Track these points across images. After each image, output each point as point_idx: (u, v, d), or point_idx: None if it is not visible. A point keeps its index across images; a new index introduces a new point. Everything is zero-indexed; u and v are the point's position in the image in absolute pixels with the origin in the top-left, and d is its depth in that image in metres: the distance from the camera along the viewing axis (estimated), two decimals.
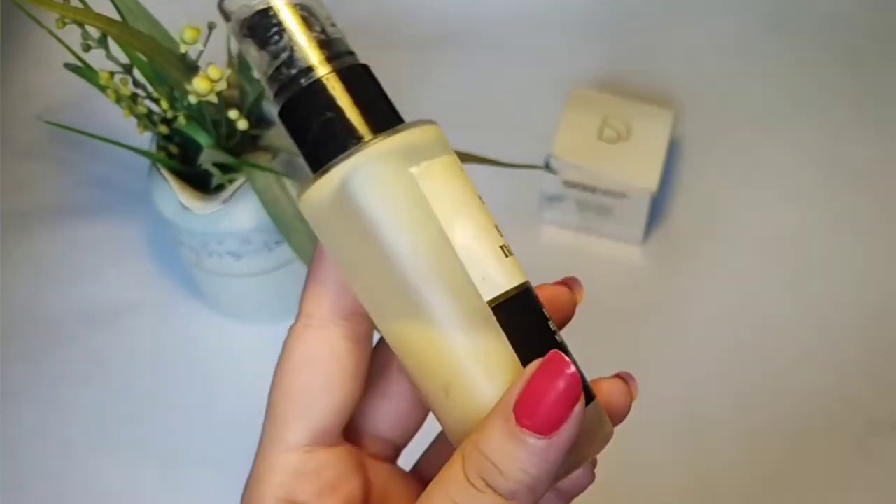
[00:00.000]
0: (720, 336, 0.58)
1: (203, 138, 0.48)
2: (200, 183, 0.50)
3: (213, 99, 0.44)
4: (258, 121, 0.52)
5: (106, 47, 0.46)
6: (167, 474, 0.54)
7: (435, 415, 0.26)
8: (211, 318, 0.60)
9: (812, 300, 0.60)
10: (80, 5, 0.44)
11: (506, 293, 0.25)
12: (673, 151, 0.65)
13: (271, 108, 0.53)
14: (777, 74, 0.71)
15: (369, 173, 0.24)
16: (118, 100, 0.47)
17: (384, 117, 0.26)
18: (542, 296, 0.27)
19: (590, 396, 0.25)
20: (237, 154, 0.50)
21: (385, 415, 0.29)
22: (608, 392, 0.28)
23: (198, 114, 0.48)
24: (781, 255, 0.62)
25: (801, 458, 0.53)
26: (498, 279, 0.25)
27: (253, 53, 0.26)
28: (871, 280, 0.60)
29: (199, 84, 0.44)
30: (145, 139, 0.51)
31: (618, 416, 0.28)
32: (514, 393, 0.24)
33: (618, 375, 0.28)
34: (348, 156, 0.24)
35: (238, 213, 0.51)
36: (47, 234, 0.64)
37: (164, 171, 0.48)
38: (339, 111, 0.25)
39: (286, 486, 0.27)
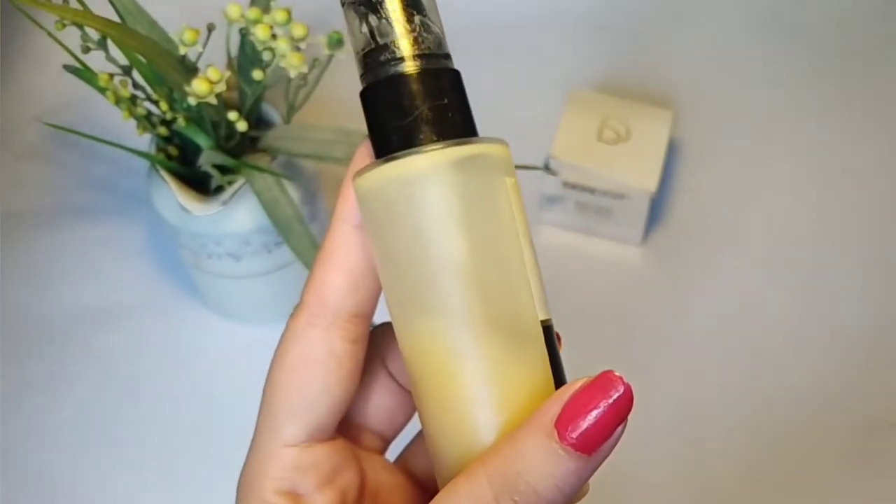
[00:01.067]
0: (720, 336, 0.58)
1: (202, 140, 0.48)
2: (200, 184, 0.50)
3: (213, 101, 0.44)
4: (258, 122, 0.52)
5: (105, 49, 0.46)
6: (167, 475, 0.54)
7: (424, 414, 0.26)
8: (210, 320, 0.60)
9: (811, 300, 0.60)
10: (80, 7, 0.44)
11: (547, 319, 0.25)
12: (672, 152, 0.65)
13: (270, 110, 0.53)
14: (777, 75, 0.71)
15: (453, 174, 0.24)
16: (117, 101, 0.47)
17: (464, 124, 0.26)
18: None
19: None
20: (237, 156, 0.50)
21: (375, 408, 0.30)
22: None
23: (197, 115, 0.48)
24: (781, 256, 0.62)
25: (801, 458, 0.53)
26: (544, 305, 0.25)
27: (352, 26, 0.25)
28: (870, 280, 0.60)
29: (198, 86, 0.44)
30: (144, 141, 0.51)
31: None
32: (553, 409, 0.23)
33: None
34: (422, 151, 0.24)
35: (237, 215, 0.51)
36: (46, 235, 0.64)
37: (164, 173, 0.48)
38: (421, 106, 0.25)
39: (286, 479, 0.27)
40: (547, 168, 0.59)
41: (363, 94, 0.26)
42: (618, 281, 0.60)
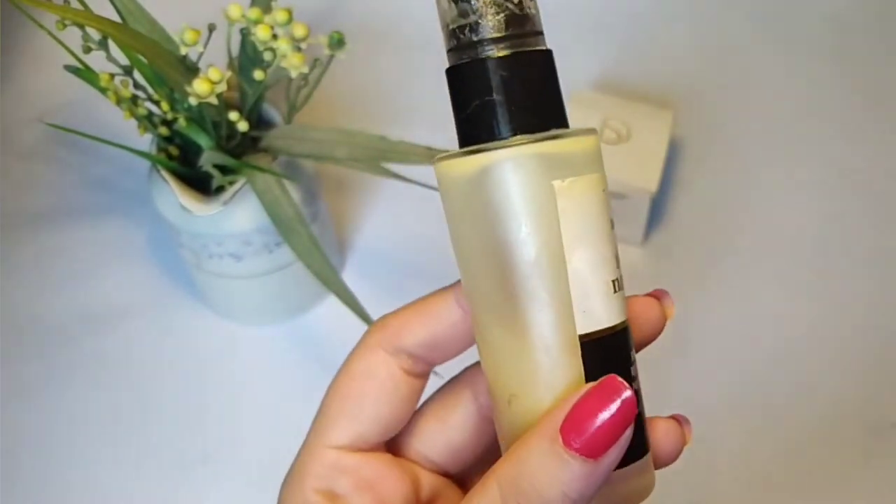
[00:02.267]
0: (720, 336, 0.58)
1: (203, 140, 0.48)
2: (201, 184, 0.50)
3: (214, 101, 0.44)
4: (258, 122, 0.52)
5: (106, 49, 0.46)
6: (167, 475, 0.54)
7: (495, 419, 0.27)
8: (211, 320, 0.60)
9: (812, 300, 0.60)
10: (81, 7, 0.44)
11: (600, 331, 0.24)
12: (673, 152, 0.65)
13: (271, 110, 0.53)
14: (777, 75, 0.71)
15: (513, 172, 0.24)
16: (118, 101, 0.47)
17: (547, 113, 0.25)
18: (631, 310, 0.27)
19: (645, 448, 0.26)
20: (237, 156, 0.50)
21: (439, 441, 0.30)
22: (661, 433, 0.27)
23: (198, 115, 0.48)
24: (782, 255, 0.62)
25: (801, 458, 0.53)
26: (598, 315, 0.24)
27: (442, 1, 0.24)
28: (870, 279, 0.60)
29: (199, 86, 0.44)
30: (145, 141, 0.52)
31: (665, 460, 0.28)
32: (559, 414, 0.23)
33: (674, 417, 0.28)
34: (498, 146, 0.24)
35: (238, 215, 0.51)
36: (47, 235, 0.64)
37: (165, 173, 0.48)
38: (504, 96, 0.24)
39: (325, 477, 0.28)
40: None
41: (449, 72, 0.25)
42: None
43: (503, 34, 0.24)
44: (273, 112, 0.52)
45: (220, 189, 0.49)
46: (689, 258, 0.61)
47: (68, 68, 0.48)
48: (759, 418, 0.55)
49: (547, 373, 0.24)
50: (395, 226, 0.63)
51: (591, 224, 0.25)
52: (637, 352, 0.27)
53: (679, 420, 0.28)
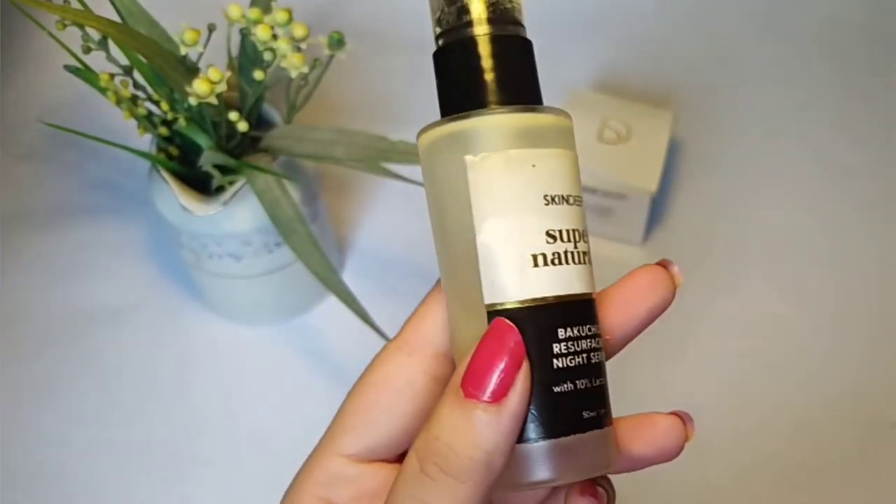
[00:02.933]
0: (720, 336, 0.58)
1: (203, 140, 0.48)
2: (201, 185, 0.50)
3: (214, 101, 0.44)
4: (258, 122, 0.52)
5: (106, 49, 0.46)
6: (166, 475, 0.54)
7: None
8: (211, 320, 0.60)
9: (812, 300, 0.60)
10: (81, 7, 0.44)
11: (510, 304, 0.25)
12: (673, 152, 0.65)
13: (271, 110, 0.53)
14: (776, 75, 0.71)
15: (434, 149, 0.25)
16: (118, 102, 0.47)
17: (524, 91, 0.26)
18: (639, 280, 0.27)
19: (600, 420, 0.25)
20: (237, 156, 0.50)
21: None
22: (663, 429, 0.28)
23: (198, 116, 0.48)
24: (781, 256, 0.62)
25: (801, 458, 0.53)
26: (508, 288, 0.25)
27: None
28: (870, 280, 0.60)
29: (199, 86, 0.44)
30: (145, 141, 0.52)
31: (667, 455, 0.28)
32: (460, 371, 0.24)
33: (676, 413, 0.28)
34: (481, 113, 0.25)
35: (238, 215, 0.51)
36: (47, 235, 0.64)
37: (165, 173, 0.48)
38: (486, 69, 0.25)
39: (325, 485, 0.27)
40: None
41: (434, 56, 0.26)
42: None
43: (485, 18, 0.26)
44: (273, 112, 0.52)
45: (220, 189, 0.49)
46: (689, 258, 0.61)
47: (68, 68, 0.48)
48: (757, 418, 0.55)
49: (467, 342, 0.25)
50: (395, 226, 0.63)
51: (508, 197, 0.25)
52: (652, 321, 0.28)
53: (682, 416, 0.28)
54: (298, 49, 0.46)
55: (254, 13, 0.45)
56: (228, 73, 0.45)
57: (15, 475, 0.54)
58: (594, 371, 0.25)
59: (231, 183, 0.49)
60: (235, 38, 0.48)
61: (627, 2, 0.75)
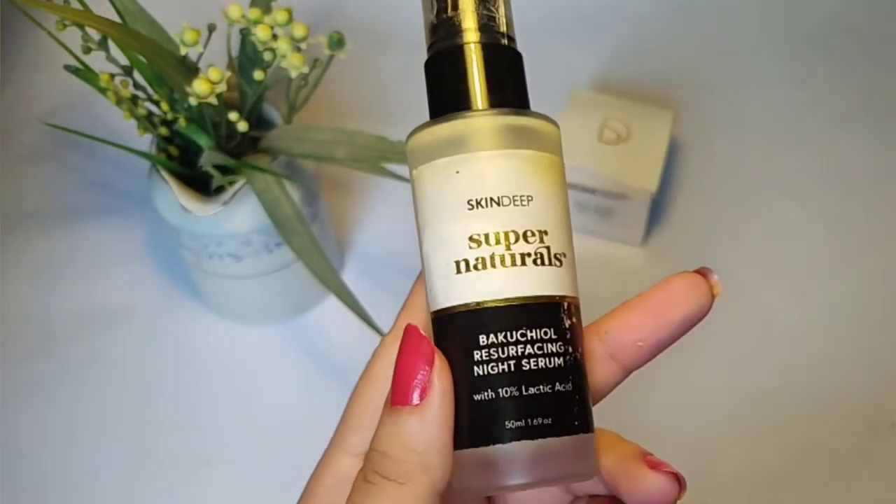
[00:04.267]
0: (720, 336, 0.58)
1: (203, 140, 0.48)
2: (200, 185, 0.50)
3: (213, 101, 0.44)
4: (258, 123, 0.52)
5: (106, 49, 0.46)
6: (166, 475, 0.54)
7: None
8: (211, 320, 0.60)
9: (812, 300, 0.60)
10: (81, 7, 0.44)
11: (441, 310, 0.25)
12: (673, 153, 0.65)
13: (271, 110, 0.53)
14: (776, 75, 0.71)
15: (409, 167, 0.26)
16: (118, 102, 0.47)
17: (510, 97, 0.26)
18: (675, 287, 0.27)
19: (575, 425, 0.25)
20: (237, 156, 0.50)
21: None
22: (654, 487, 0.26)
23: (198, 116, 0.48)
24: (782, 256, 0.62)
25: (801, 458, 0.53)
26: (438, 295, 0.25)
27: (425, 3, 0.27)
28: (870, 280, 0.60)
29: (199, 86, 0.44)
30: (145, 141, 0.52)
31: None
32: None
33: (669, 471, 0.27)
34: (467, 115, 0.25)
35: (238, 215, 0.51)
36: (47, 235, 0.64)
37: (164, 173, 0.48)
38: (473, 75, 0.26)
39: (335, 489, 0.27)
40: None
41: (426, 65, 0.27)
42: (618, 282, 0.60)
43: (475, 27, 0.26)
44: (273, 112, 0.52)
45: (220, 189, 0.49)
46: (689, 258, 0.61)
47: (68, 68, 0.48)
48: (758, 418, 0.55)
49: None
50: (395, 226, 0.63)
51: (436, 207, 0.25)
52: (687, 331, 0.27)
53: (676, 477, 0.27)
54: (298, 49, 0.46)
55: (254, 13, 0.45)
56: (228, 74, 0.45)
57: (15, 476, 0.54)
58: (530, 378, 0.25)
59: (231, 183, 0.49)
60: (235, 39, 0.48)
61: (628, 2, 0.75)
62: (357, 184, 0.65)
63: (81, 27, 0.45)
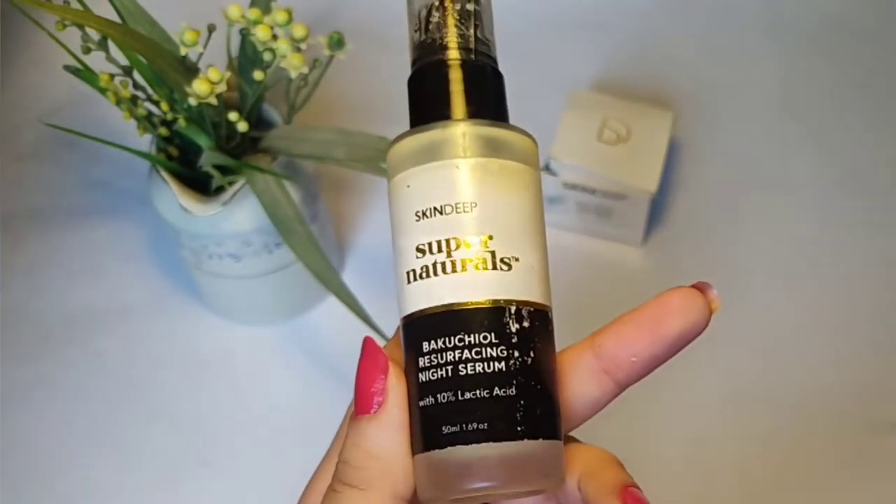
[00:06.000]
0: (720, 336, 0.58)
1: (203, 140, 0.48)
2: (200, 185, 0.50)
3: (213, 101, 0.44)
4: (258, 123, 0.52)
5: (106, 49, 0.46)
6: (166, 476, 0.54)
7: None
8: (211, 320, 0.60)
9: (812, 300, 0.60)
10: (80, 7, 0.44)
11: (402, 319, 0.26)
12: (673, 153, 0.65)
13: (271, 111, 0.53)
14: (776, 75, 0.71)
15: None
16: (118, 102, 0.47)
17: (487, 110, 0.27)
18: (671, 302, 0.26)
19: (546, 434, 0.25)
20: (237, 156, 0.50)
21: None
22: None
23: (198, 116, 0.48)
24: (782, 256, 0.62)
25: (802, 458, 0.53)
26: (400, 304, 0.26)
27: (411, 24, 0.28)
28: (871, 280, 0.60)
29: (198, 86, 0.44)
30: (145, 141, 0.51)
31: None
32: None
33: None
34: (444, 125, 0.26)
35: (238, 215, 0.51)
36: (47, 235, 0.64)
37: (164, 174, 0.48)
38: (453, 89, 0.27)
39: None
40: (547, 169, 0.59)
41: (409, 81, 0.28)
42: (618, 282, 0.60)
43: (457, 47, 0.27)
44: (273, 112, 0.52)
45: (220, 189, 0.49)
46: (689, 258, 0.61)
47: (68, 68, 0.48)
48: (758, 418, 0.55)
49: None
50: None
51: (395, 221, 0.26)
52: (682, 347, 0.26)
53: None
54: (298, 49, 0.46)
55: (253, 13, 0.45)
56: (228, 74, 0.45)
57: (15, 475, 0.54)
58: (466, 383, 0.24)
59: (231, 183, 0.49)
60: (235, 39, 0.48)
61: (628, 2, 0.74)
62: (357, 184, 0.65)
63: (81, 27, 0.45)
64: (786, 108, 0.69)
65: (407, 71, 0.28)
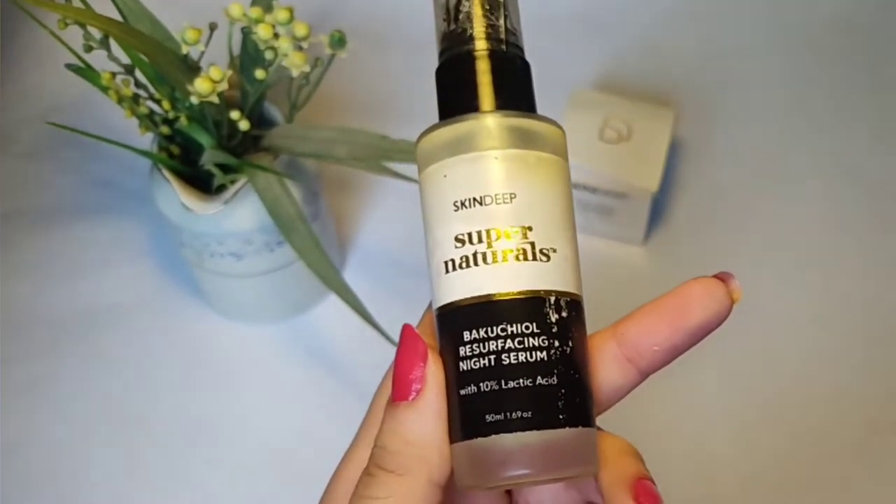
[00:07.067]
0: (720, 336, 0.58)
1: (204, 139, 0.48)
2: (202, 183, 0.50)
3: (215, 99, 0.45)
4: (260, 121, 0.52)
5: (107, 48, 0.46)
6: (167, 474, 0.54)
7: None
8: (212, 319, 0.60)
9: (812, 300, 0.60)
10: (82, 6, 0.44)
11: (439, 307, 0.26)
12: (674, 152, 0.65)
13: (272, 109, 0.53)
14: (778, 74, 0.71)
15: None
16: (120, 100, 0.47)
17: (518, 101, 0.27)
18: (692, 292, 0.27)
19: (585, 422, 0.25)
20: (239, 155, 0.50)
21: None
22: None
23: (199, 114, 0.48)
24: (782, 256, 0.62)
25: (802, 458, 0.53)
26: (436, 294, 0.26)
27: (438, 15, 0.28)
28: (871, 280, 0.60)
29: (200, 85, 0.44)
30: (147, 140, 0.52)
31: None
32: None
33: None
34: (474, 117, 0.26)
35: (239, 214, 0.51)
36: (48, 234, 0.64)
37: (166, 172, 0.49)
38: (482, 80, 0.26)
39: (348, 495, 0.27)
40: None
41: (437, 72, 0.28)
42: (619, 281, 0.60)
43: (485, 37, 0.27)
44: (274, 111, 0.52)
45: (222, 188, 0.50)
46: (690, 257, 0.61)
47: (70, 67, 0.48)
48: (758, 417, 0.55)
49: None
50: (397, 225, 0.63)
51: (430, 211, 0.26)
52: (704, 336, 0.27)
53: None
54: (300, 48, 0.46)
55: (255, 12, 0.45)
56: (230, 72, 0.45)
57: (15, 475, 0.54)
58: (509, 373, 0.25)
59: (232, 182, 0.49)
60: (237, 37, 0.48)
61: (629, 1, 0.74)
62: (358, 183, 0.65)
63: (83, 26, 0.45)
64: (787, 107, 0.69)
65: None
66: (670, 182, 0.64)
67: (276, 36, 0.45)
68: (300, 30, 0.45)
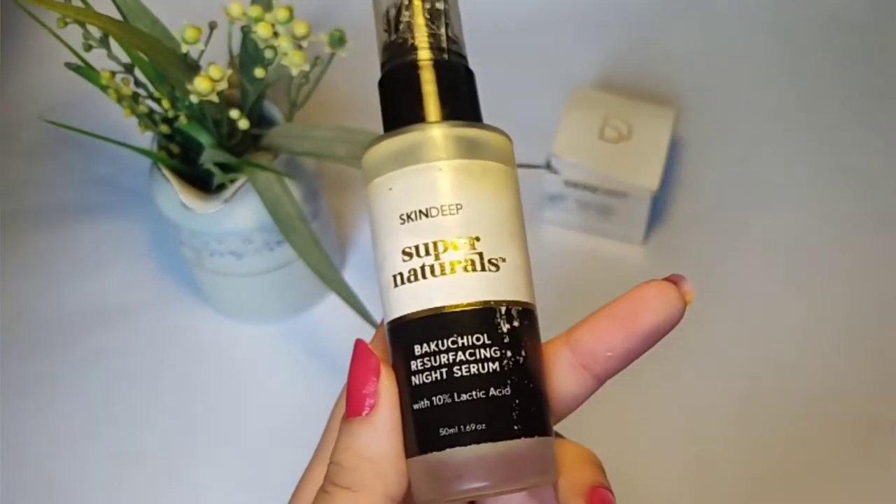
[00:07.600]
0: (720, 335, 0.58)
1: (204, 138, 0.48)
2: (202, 182, 0.50)
3: (215, 98, 0.44)
4: (259, 120, 0.52)
5: (107, 47, 0.46)
6: (168, 474, 0.54)
7: None
8: (212, 318, 0.60)
9: (812, 299, 0.60)
10: (82, 5, 0.44)
11: (388, 323, 0.26)
12: (674, 151, 0.65)
13: (272, 108, 0.53)
14: (778, 74, 0.71)
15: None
16: (119, 99, 0.47)
17: (462, 110, 0.26)
18: (645, 295, 0.26)
19: (541, 432, 0.25)
20: (238, 154, 0.50)
21: None
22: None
23: (199, 113, 0.48)
24: (782, 255, 0.62)
25: (802, 458, 0.53)
26: (385, 309, 0.26)
27: (378, 26, 0.27)
28: (871, 280, 0.60)
29: (200, 84, 0.44)
30: (146, 139, 0.52)
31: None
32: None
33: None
34: (420, 128, 0.26)
35: (239, 213, 0.51)
36: (48, 233, 0.64)
37: (166, 171, 0.48)
38: (426, 90, 0.26)
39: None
40: (548, 167, 0.59)
41: (380, 83, 0.27)
42: (619, 280, 0.60)
43: (428, 47, 0.26)
44: (274, 110, 0.52)
45: (221, 187, 0.49)
46: (690, 257, 0.61)
47: (69, 66, 0.48)
48: (758, 417, 0.55)
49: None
50: None
51: (379, 223, 0.26)
52: (658, 340, 0.26)
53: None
54: (299, 47, 0.46)
55: (255, 11, 0.45)
56: (229, 71, 0.45)
57: (15, 475, 0.54)
58: (462, 385, 0.25)
59: (232, 181, 0.49)
60: (237, 36, 0.48)
61: (629, 0, 0.74)
62: (358, 182, 0.65)
63: (82, 25, 0.45)
64: (787, 107, 0.69)
65: None
66: (670, 182, 0.64)
67: (275, 35, 0.45)
68: (300, 29, 0.45)
